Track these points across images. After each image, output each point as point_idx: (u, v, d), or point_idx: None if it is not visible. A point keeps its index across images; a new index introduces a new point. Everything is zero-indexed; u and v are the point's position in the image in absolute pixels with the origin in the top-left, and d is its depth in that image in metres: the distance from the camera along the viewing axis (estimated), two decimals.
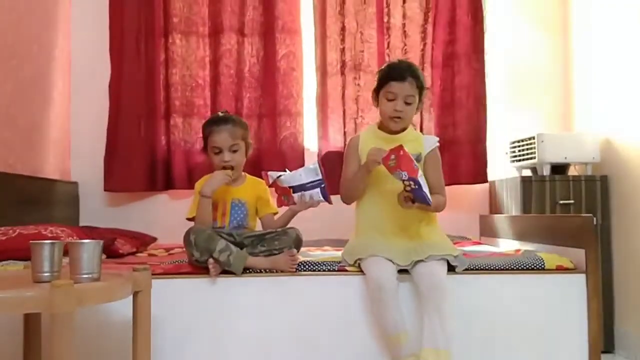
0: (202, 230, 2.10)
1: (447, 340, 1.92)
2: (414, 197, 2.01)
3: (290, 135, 3.40)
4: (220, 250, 2.05)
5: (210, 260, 2.05)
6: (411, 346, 1.96)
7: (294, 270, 2.12)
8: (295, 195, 2.17)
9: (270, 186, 2.26)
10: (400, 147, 1.98)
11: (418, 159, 2.15)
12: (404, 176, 1.96)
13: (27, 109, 2.90)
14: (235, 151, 2.24)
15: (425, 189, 1.99)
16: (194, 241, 2.07)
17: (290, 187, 2.17)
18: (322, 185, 2.16)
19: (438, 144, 2.27)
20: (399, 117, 2.16)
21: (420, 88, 2.18)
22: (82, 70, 3.43)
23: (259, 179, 2.36)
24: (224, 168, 2.23)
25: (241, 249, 2.13)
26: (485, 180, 3.39)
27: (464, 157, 3.37)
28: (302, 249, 2.69)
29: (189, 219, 2.28)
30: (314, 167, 2.16)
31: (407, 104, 2.16)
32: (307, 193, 2.15)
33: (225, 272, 2.09)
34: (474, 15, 3.41)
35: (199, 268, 2.11)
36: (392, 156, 1.97)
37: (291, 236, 2.18)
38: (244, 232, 2.23)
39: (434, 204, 2.09)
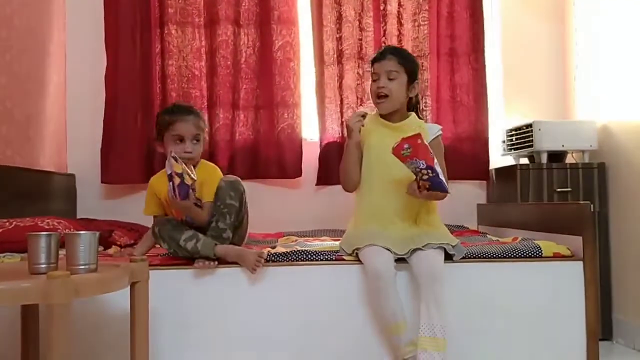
0: (166, 221, 2.11)
1: (444, 329, 1.92)
2: (431, 185, 1.99)
3: (288, 127, 3.40)
4: (186, 239, 2.06)
5: (198, 261, 2.06)
6: (410, 335, 1.97)
7: (255, 271, 2.06)
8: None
9: None
10: (419, 135, 1.98)
11: None
12: (421, 165, 1.95)
13: (23, 102, 2.88)
14: (197, 141, 2.20)
15: (442, 176, 1.99)
16: (158, 232, 2.09)
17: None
18: (172, 181, 1.97)
19: (441, 132, 2.27)
20: (383, 95, 2.18)
21: (405, 65, 2.19)
22: (78, 62, 3.41)
23: (212, 165, 2.29)
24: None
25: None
26: (485, 178, 3.41)
27: (465, 154, 3.37)
28: (300, 239, 2.70)
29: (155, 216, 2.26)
30: (169, 158, 1.96)
31: (390, 79, 2.18)
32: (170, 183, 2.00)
33: (224, 262, 2.10)
34: (472, 13, 3.39)
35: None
36: (406, 145, 1.96)
37: (221, 187, 2.12)
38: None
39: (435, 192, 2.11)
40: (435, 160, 1.97)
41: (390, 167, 2.13)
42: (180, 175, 1.96)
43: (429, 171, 1.96)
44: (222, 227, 2.12)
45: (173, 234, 2.06)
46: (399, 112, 2.26)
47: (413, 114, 2.30)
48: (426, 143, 1.97)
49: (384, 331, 2.05)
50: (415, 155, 1.94)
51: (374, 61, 2.23)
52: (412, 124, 2.24)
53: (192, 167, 2.06)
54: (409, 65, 2.21)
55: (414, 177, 2.03)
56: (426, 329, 1.92)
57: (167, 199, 2.13)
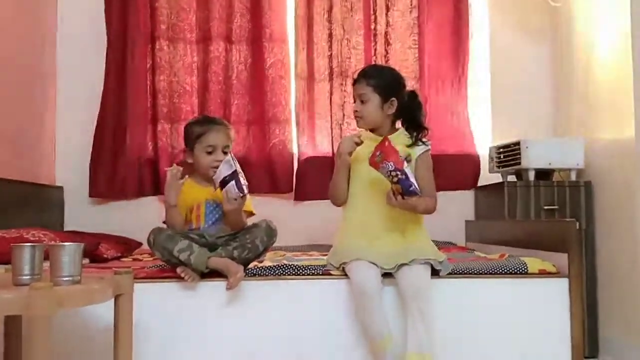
0: (161, 231, 2.09)
1: (431, 344, 1.92)
2: (402, 188, 2.01)
3: (279, 143, 3.42)
4: (180, 250, 2.03)
5: (178, 269, 2.05)
6: (396, 351, 1.97)
7: (230, 289, 2.04)
8: (223, 192, 2.10)
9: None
10: (385, 138, 2.05)
11: (408, 160, 2.18)
12: (390, 167, 1.98)
13: (13, 114, 2.89)
14: (225, 153, 2.21)
15: (413, 179, 2.01)
16: (152, 241, 2.07)
17: (219, 185, 2.10)
18: (236, 177, 2.05)
19: (430, 147, 2.28)
20: (357, 117, 2.25)
21: (375, 85, 2.20)
22: (69, 75, 3.42)
23: None
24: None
25: (213, 249, 2.12)
26: (475, 185, 3.43)
27: (455, 171, 3.40)
28: (288, 254, 2.70)
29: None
30: (228, 159, 2.06)
31: (362, 102, 2.22)
32: (226, 188, 2.07)
33: (208, 275, 2.09)
34: (458, 33, 3.44)
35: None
36: (378, 152, 2.01)
37: (261, 226, 2.16)
38: (216, 233, 2.20)
39: (423, 206, 2.13)
40: (406, 164, 2.01)
41: (375, 181, 2.14)
42: (240, 174, 2.05)
43: (398, 173, 1.98)
44: (235, 255, 2.11)
45: (166, 244, 2.05)
46: (382, 128, 2.26)
47: (402, 129, 2.30)
48: (394, 147, 2.02)
49: (370, 346, 2.04)
50: (385, 159, 1.99)
51: (353, 84, 2.30)
52: (401, 136, 2.25)
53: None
54: (380, 84, 2.20)
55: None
56: (413, 345, 1.92)
57: (191, 202, 2.20)
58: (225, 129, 2.25)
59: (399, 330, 2.01)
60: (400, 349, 1.96)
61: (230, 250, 2.11)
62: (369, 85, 2.20)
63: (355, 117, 2.26)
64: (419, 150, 2.24)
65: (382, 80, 2.22)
